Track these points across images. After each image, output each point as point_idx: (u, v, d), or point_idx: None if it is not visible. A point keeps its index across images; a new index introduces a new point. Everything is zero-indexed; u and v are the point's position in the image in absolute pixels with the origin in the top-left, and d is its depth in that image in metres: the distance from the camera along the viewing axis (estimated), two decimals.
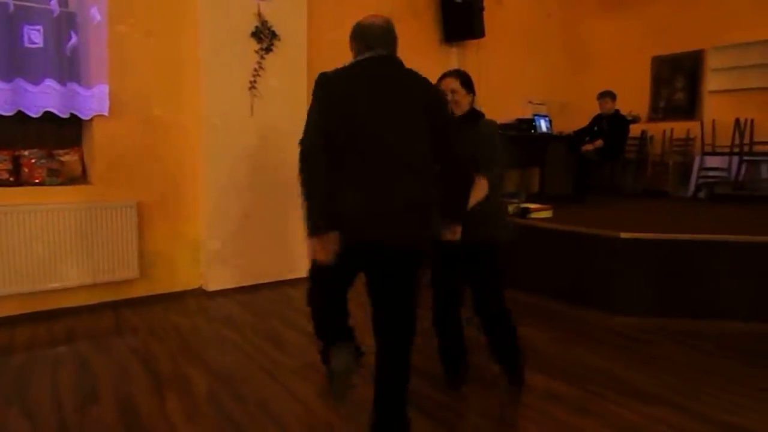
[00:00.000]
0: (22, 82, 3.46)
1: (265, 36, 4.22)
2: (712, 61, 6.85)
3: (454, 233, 2.15)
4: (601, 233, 3.80)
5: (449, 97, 2.35)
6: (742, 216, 4.99)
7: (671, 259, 3.64)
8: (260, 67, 4.22)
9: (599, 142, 5.98)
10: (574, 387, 2.58)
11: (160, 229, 4.04)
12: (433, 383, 2.56)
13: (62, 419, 2.23)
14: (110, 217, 3.73)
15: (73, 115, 3.65)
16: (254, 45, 4.19)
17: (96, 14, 3.64)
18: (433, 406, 2.38)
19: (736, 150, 6.40)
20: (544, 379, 2.66)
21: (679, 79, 7.20)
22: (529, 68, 6.93)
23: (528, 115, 6.61)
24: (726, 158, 6.48)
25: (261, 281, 4.38)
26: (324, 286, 2.24)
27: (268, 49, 4.24)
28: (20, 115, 3.48)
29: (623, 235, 3.67)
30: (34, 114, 3.52)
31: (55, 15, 3.54)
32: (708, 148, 6.74)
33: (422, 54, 4.95)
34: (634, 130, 6.91)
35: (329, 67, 1.95)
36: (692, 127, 6.98)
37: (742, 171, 6.34)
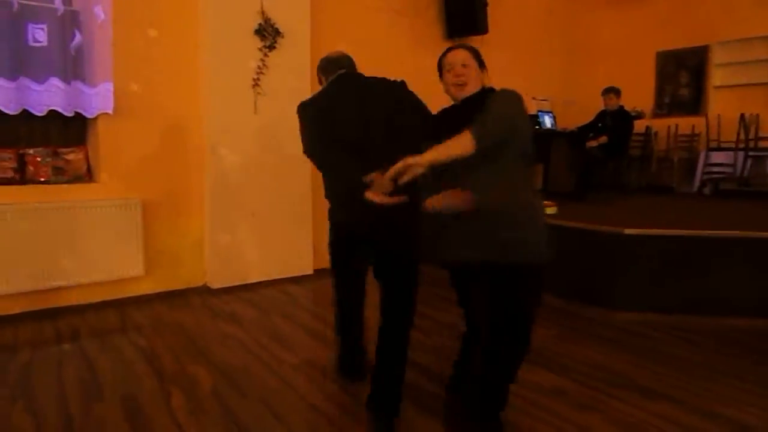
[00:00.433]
0: (26, 81, 3.48)
1: (268, 34, 4.22)
2: (717, 57, 6.81)
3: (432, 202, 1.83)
4: (606, 229, 3.79)
5: (454, 76, 1.96)
6: (748, 211, 4.97)
7: (675, 255, 3.63)
8: (264, 65, 4.23)
9: (603, 139, 5.96)
10: (577, 383, 2.58)
11: (164, 227, 4.06)
12: (433, 380, 2.57)
13: (67, 416, 2.25)
14: (115, 215, 3.75)
15: (77, 114, 3.67)
16: (258, 43, 4.19)
17: (100, 12, 3.65)
18: (436, 404, 2.39)
19: (742, 145, 6.37)
20: (546, 375, 2.66)
21: (683, 75, 7.16)
22: (533, 64, 6.91)
23: (532, 112, 6.59)
24: (731, 154, 6.45)
25: (265, 279, 4.39)
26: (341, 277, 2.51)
27: (271, 47, 4.25)
28: (25, 114, 3.50)
29: (627, 231, 3.67)
30: (39, 113, 3.54)
31: (60, 13, 3.56)
32: (713, 144, 6.71)
33: (425, 50, 4.94)
34: (639, 126, 6.88)
35: None
36: (697, 122, 6.94)
37: (748, 166, 6.31)
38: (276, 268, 4.46)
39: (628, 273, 3.72)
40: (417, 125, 2.14)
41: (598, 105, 6.18)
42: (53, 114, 3.59)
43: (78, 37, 3.64)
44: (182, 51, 4.05)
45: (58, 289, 3.61)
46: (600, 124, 6.13)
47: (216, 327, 3.41)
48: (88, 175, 3.89)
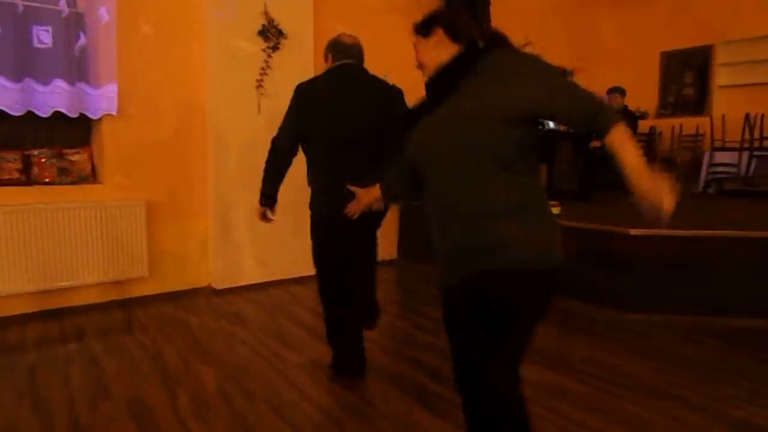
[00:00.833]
0: (31, 83, 3.49)
1: (272, 35, 4.23)
2: (721, 56, 6.79)
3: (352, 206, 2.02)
4: (611, 229, 3.78)
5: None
6: (753, 211, 4.95)
7: (681, 256, 3.61)
8: (267, 66, 4.23)
9: None
10: (585, 384, 2.58)
11: (169, 227, 4.07)
12: (440, 381, 2.56)
13: (73, 415, 2.25)
14: (119, 215, 3.76)
15: (82, 115, 3.68)
16: (261, 44, 4.20)
17: (104, 14, 3.66)
18: (443, 405, 2.38)
19: (746, 145, 6.34)
20: (554, 375, 2.66)
21: (688, 75, 7.14)
22: None
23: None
24: (736, 153, 6.43)
25: (269, 279, 4.40)
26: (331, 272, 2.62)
27: (275, 48, 4.25)
28: (30, 115, 3.52)
29: (633, 231, 3.65)
30: (44, 114, 3.55)
31: (65, 15, 3.57)
32: (718, 144, 6.68)
33: None
34: (643, 125, 6.87)
35: None
36: (702, 122, 6.92)
37: (752, 166, 6.29)
38: (280, 269, 4.46)
39: (633, 273, 3.70)
40: (395, 132, 2.16)
41: None
42: (58, 115, 3.60)
43: (82, 39, 3.65)
44: (186, 52, 4.06)
45: (64, 289, 3.62)
46: None
47: (221, 327, 3.42)
48: (92, 176, 3.90)
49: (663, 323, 3.46)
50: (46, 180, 3.65)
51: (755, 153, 6.27)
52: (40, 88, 3.53)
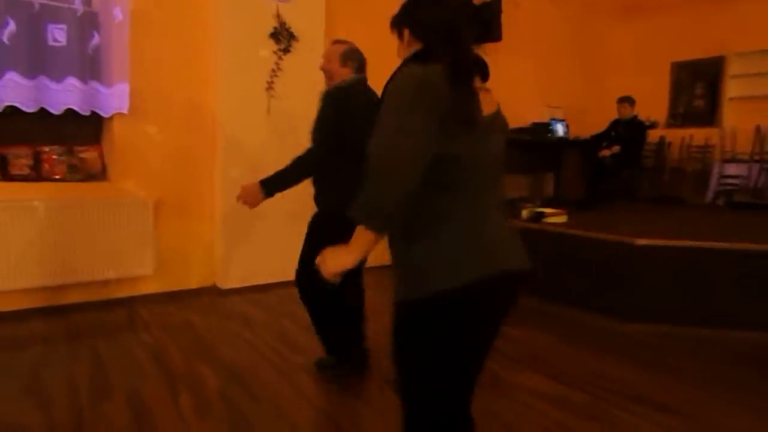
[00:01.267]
0: (45, 80, 3.53)
1: (283, 37, 4.25)
2: (732, 68, 6.76)
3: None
4: (617, 239, 3.77)
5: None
6: (761, 224, 4.92)
7: (687, 267, 3.60)
8: (278, 68, 4.26)
9: (616, 148, 5.94)
10: (585, 393, 2.57)
11: (175, 226, 4.09)
12: None
13: (76, 414, 2.27)
14: (127, 214, 3.78)
15: (93, 113, 3.71)
16: (272, 46, 4.23)
17: (118, 14, 3.70)
18: None
19: (756, 157, 6.31)
20: (554, 385, 2.65)
21: (699, 86, 7.11)
22: (547, 72, 6.89)
23: (545, 120, 6.58)
24: (745, 165, 6.40)
25: (273, 280, 4.40)
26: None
27: (286, 50, 4.28)
28: (41, 112, 3.55)
29: (639, 241, 3.64)
30: (57, 111, 3.58)
31: (79, 14, 3.61)
32: (727, 155, 6.65)
33: None
34: (652, 135, 6.85)
35: None
36: (711, 134, 6.89)
37: (762, 178, 6.25)
38: (285, 270, 4.45)
39: (638, 284, 3.69)
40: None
41: (612, 114, 6.15)
42: (69, 113, 3.63)
43: (96, 38, 3.69)
44: (197, 53, 4.09)
45: (69, 286, 3.64)
46: (613, 133, 6.11)
47: (224, 327, 3.43)
48: (102, 174, 3.93)
49: (666, 334, 3.44)
50: (56, 176, 3.69)
51: (765, 165, 6.24)
52: (53, 85, 3.56)
